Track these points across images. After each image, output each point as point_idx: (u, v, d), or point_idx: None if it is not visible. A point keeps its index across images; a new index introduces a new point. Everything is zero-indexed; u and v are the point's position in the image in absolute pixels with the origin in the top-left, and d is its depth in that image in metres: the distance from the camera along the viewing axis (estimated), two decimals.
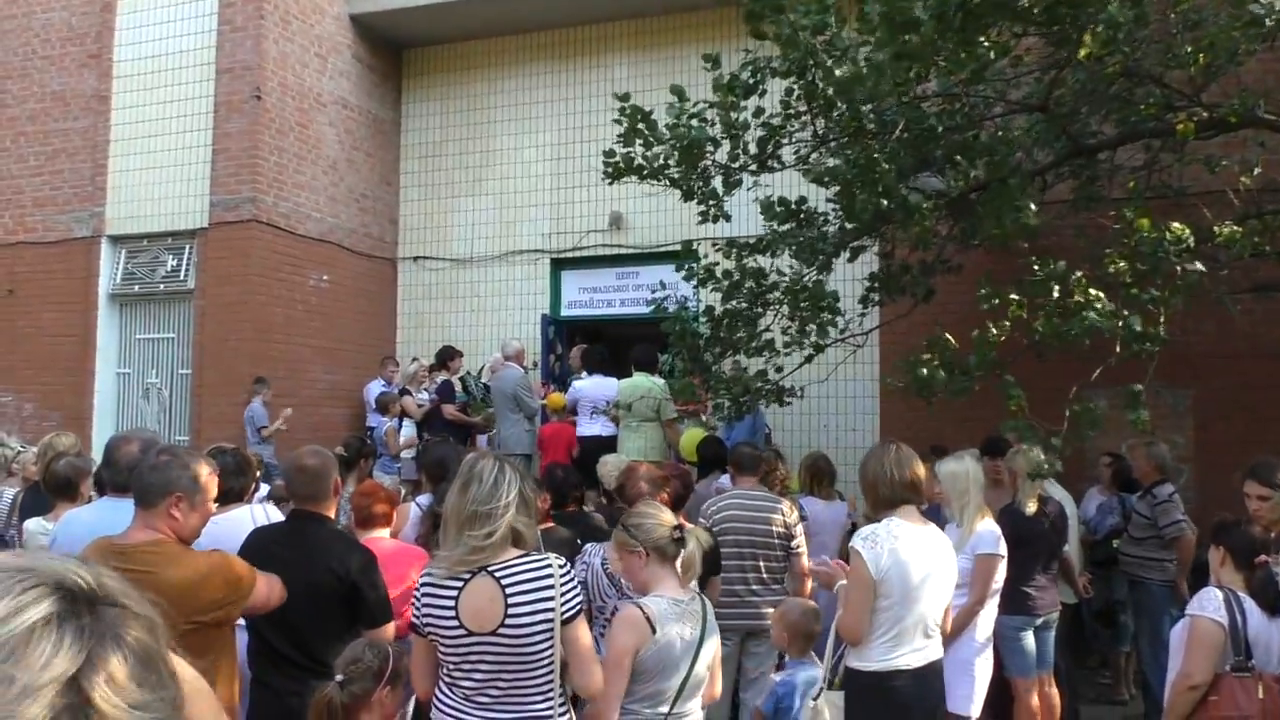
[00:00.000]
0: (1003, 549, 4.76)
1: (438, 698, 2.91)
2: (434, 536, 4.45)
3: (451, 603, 2.78)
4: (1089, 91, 6.23)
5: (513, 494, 2.81)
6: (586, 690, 2.85)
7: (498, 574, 2.78)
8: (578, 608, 2.84)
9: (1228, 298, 6.20)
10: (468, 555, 2.78)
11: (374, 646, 2.99)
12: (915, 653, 3.62)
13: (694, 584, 3.44)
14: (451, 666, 2.84)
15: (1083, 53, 5.32)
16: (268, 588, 3.20)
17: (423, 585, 2.88)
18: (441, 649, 2.83)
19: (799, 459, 6.99)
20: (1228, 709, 3.41)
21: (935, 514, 5.56)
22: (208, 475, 3.15)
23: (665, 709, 3.15)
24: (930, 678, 3.69)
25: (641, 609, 3.11)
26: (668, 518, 3.29)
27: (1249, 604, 3.54)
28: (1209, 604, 3.55)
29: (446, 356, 10.17)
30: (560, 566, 2.85)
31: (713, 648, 3.30)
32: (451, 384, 9.92)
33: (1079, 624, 6.79)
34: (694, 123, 6.15)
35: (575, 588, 2.87)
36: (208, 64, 10.09)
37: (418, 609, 2.87)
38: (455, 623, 2.77)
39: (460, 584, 2.79)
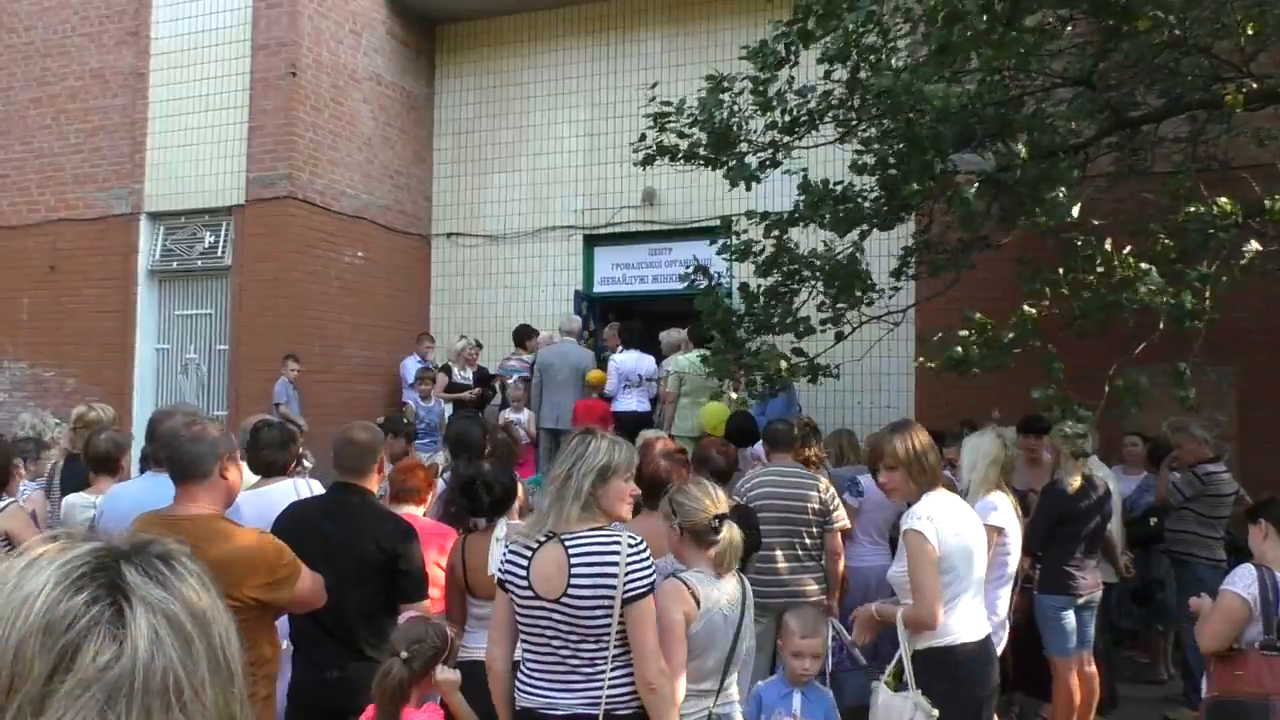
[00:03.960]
0: (998, 521, 4.53)
1: (521, 666, 2.97)
2: (458, 511, 4.47)
3: (525, 564, 2.88)
4: (1134, 63, 6.10)
5: (585, 473, 2.89)
6: (642, 676, 2.80)
7: (567, 543, 2.85)
8: (645, 589, 2.81)
9: (1276, 273, 6.08)
10: (540, 527, 2.91)
11: (435, 626, 3.06)
12: (976, 624, 3.54)
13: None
14: (524, 629, 2.91)
15: (1126, 25, 5.22)
16: (313, 581, 3.20)
17: (511, 543, 3.01)
18: (517, 609, 2.90)
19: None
20: (1251, 684, 3.50)
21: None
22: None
23: (714, 684, 3.15)
24: (991, 649, 3.62)
25: (684, 582, 3.11)
26: (711, 505, 3.23)
27: None
28: (1238, 580, 3.64)
29: (524, 336, 10.14)
30: (631, 545, 2.83)
31: (750, 623, 3.30)
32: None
33: (1109, 604, 6.73)
34: (725, 98, 6.10)
35: (644, 568, 2.83)
36: (244, 41, 10.12)
37: (503, 565, 2.97)
38: (526, 584, 2.85)
39: (535, 547, 2.88)
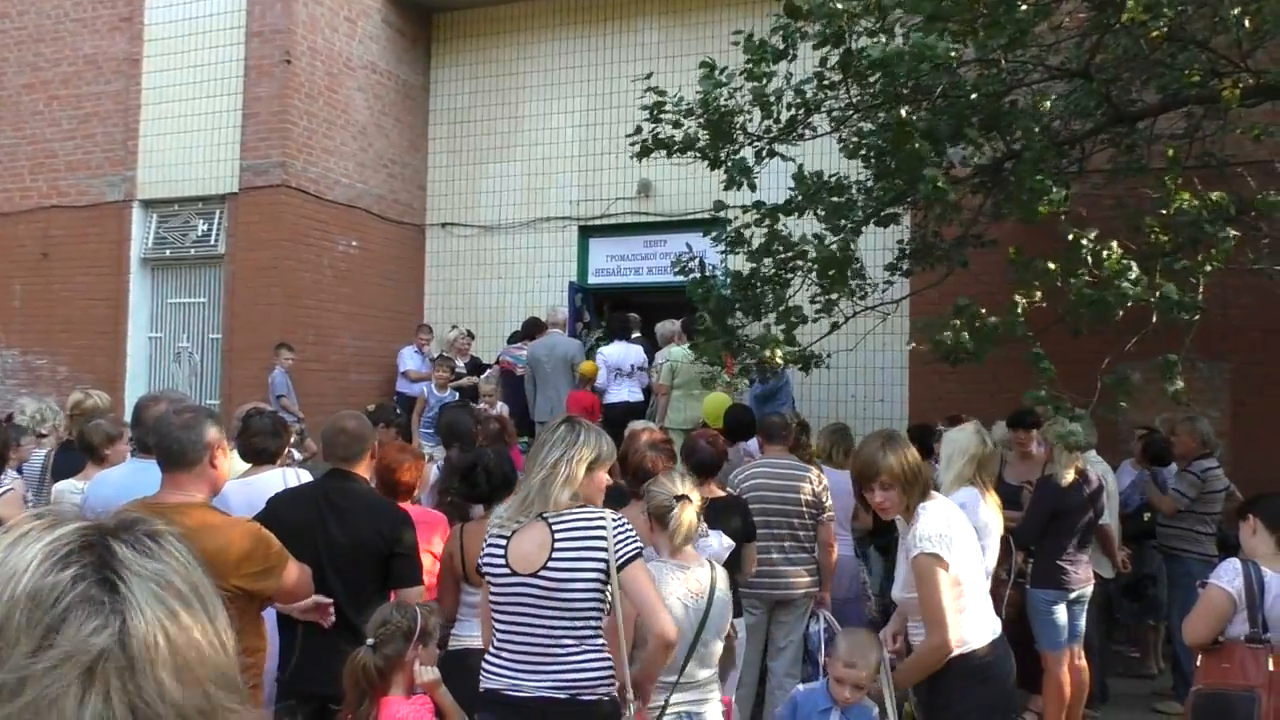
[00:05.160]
0: (973, 518, 4.48)
1: (490, 648, 2.99)
2: (451, 498, 4.46)
3: (504, 544, 2.92)
4: (1131, 56, 6.08)
5: (579, 460, 2.93)
6: (658, 630, 2.84)
7: (551, 520, 2.90)
8: (635, 552, 2.90)
9: (1268, 268, 6.08)
10: (524, 512, 2.93)
11: (401, 607, 3.03)
12: (988, 624, 3.39)
13: (720, 549, 3.45)
14: (498, 611, 2.92)
15: (1125, 16, 5.19)
16: (300, 572, 3.18)
17: (490, 530, 3.04)
18: (491, 592, 2.94)
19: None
20: (1237, 677, 3.52)
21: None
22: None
23: (673, 676, 3.16)
24: (1007, 642, 3.52)
25: None
26: (673, 488, 3.35)
27: (1271, 578, 3.58)
28: (1224, 574, 3.64)
29: (534, 328, 10.10)
30: (614, 519, 2.92)
31: (721, 615, 3.31)
32: None
33: (1107, 598, 6.74)
34: (723, 93, 6.06)
35: (630, 534, 2.92)
36: (238, 27, 10.06)
37: (482, 554, 3.01)
38: (503, 562, 2.89)
39: (516, 527, 2.93)
